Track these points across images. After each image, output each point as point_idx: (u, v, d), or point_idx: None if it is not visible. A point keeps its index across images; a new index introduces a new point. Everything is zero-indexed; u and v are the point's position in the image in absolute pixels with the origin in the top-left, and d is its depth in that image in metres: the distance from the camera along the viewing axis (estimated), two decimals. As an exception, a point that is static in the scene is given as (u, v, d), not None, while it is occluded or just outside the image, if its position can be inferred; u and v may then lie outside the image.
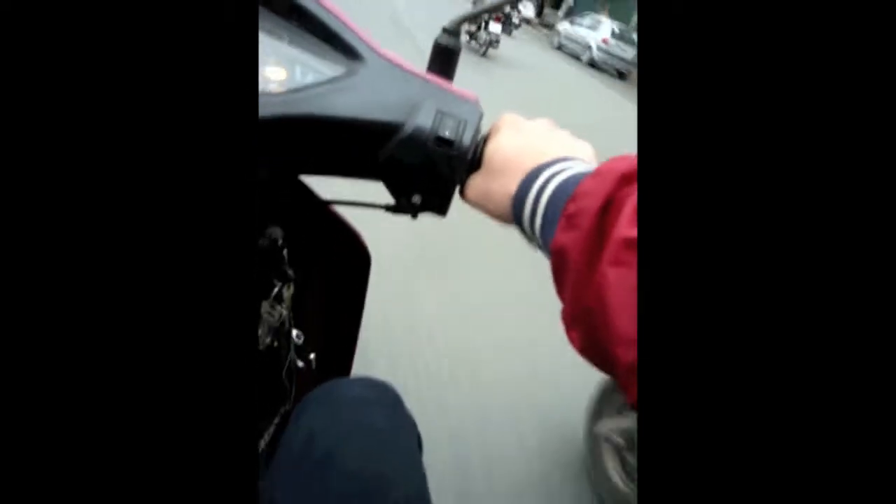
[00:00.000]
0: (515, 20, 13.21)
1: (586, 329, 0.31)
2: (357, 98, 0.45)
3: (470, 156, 0.44)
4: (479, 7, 0.52)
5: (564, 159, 0.39)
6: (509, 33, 12.94)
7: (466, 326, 2.01)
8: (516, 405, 1.73)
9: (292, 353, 0.60)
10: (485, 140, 0.45)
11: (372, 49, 0.47)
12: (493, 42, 8.45)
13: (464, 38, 9.86)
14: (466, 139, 0.44)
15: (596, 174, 0.33)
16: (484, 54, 8.49)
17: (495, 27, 8.24)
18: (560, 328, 0.34)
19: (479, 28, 8.50)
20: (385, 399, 0.59)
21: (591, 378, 1.48)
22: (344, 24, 0.47)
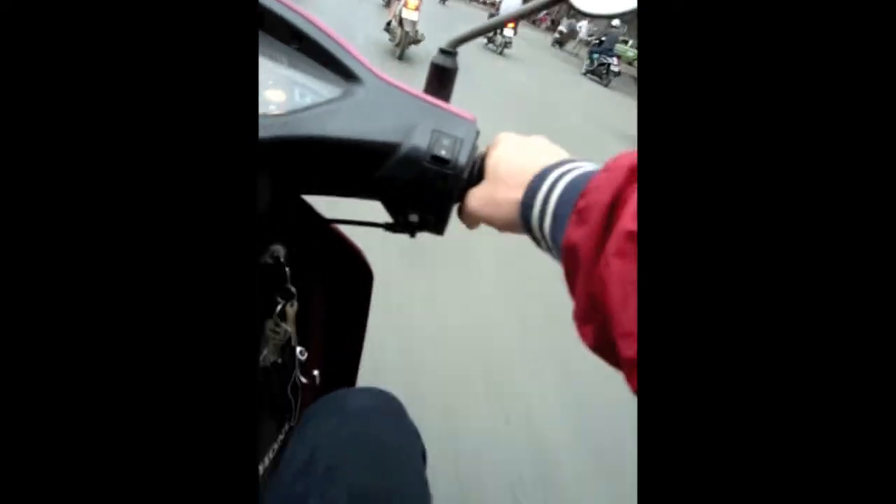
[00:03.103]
0: (615, 67, 11.56)
1: (596, 324, 0.32)
2: (354, 119, 0.45)
3: (466, 174, 0.45)
4: (476, 28, 0.52)
5: (571, 160, 0.39)
6: (606, 84, 11.77)
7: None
8: (521, 413, 1.73)
9: (297, 370, 0.61)
10: (482, 158, 0.45)
11: (369, 71, 0.48)
12: (507, 43, 10.92)
13: (483, 40, 11.40)
14: (462, 157, 0.44)
15: (606, 169, 0.33)
16: (500, 53, 11.07)
17: (508, 31, 10.49)
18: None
19: (495, 33, 10.56)
20: (389, 410, 0.58)
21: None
22: (342, 47, 0.48)
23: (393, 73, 0.47)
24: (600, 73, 11.90)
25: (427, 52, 6.79)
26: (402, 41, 6.29)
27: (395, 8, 6.31)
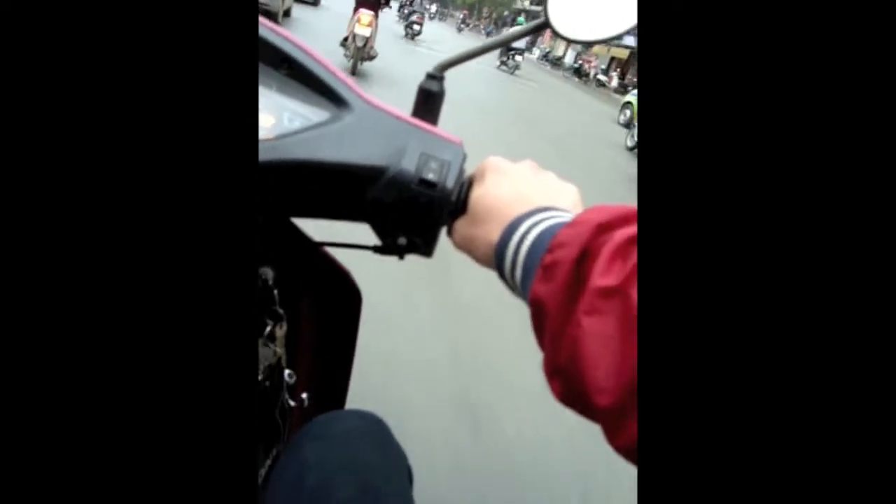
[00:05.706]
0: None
1: (565, 379, 0.31)
2: (343, 143, 0.46)
3: (454, 197, 0.45)
4: (462, 53, 0.53)
5: (545, 209, 0.39)
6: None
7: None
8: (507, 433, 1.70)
9: (284, 393, 0.61)
10: (470, 183, 0.45)
11: (358, 95, 0.48)
12: (518, 66, 14.58)
13: (497, 62, 15.09)
14: (450, 181, 0.44)
15: (573, 225, 0.33)
16: (512, 74, 14.46)
17: (518, 58, 14.47)
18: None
19: (508, 58, 14.24)
20: (376, 432, 0.59)
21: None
22: (331, 72, 0.48)
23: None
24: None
25: (381, 69, 7.06)
26: (355, 56, 6.36)
27: (351, 25, 6.44)
